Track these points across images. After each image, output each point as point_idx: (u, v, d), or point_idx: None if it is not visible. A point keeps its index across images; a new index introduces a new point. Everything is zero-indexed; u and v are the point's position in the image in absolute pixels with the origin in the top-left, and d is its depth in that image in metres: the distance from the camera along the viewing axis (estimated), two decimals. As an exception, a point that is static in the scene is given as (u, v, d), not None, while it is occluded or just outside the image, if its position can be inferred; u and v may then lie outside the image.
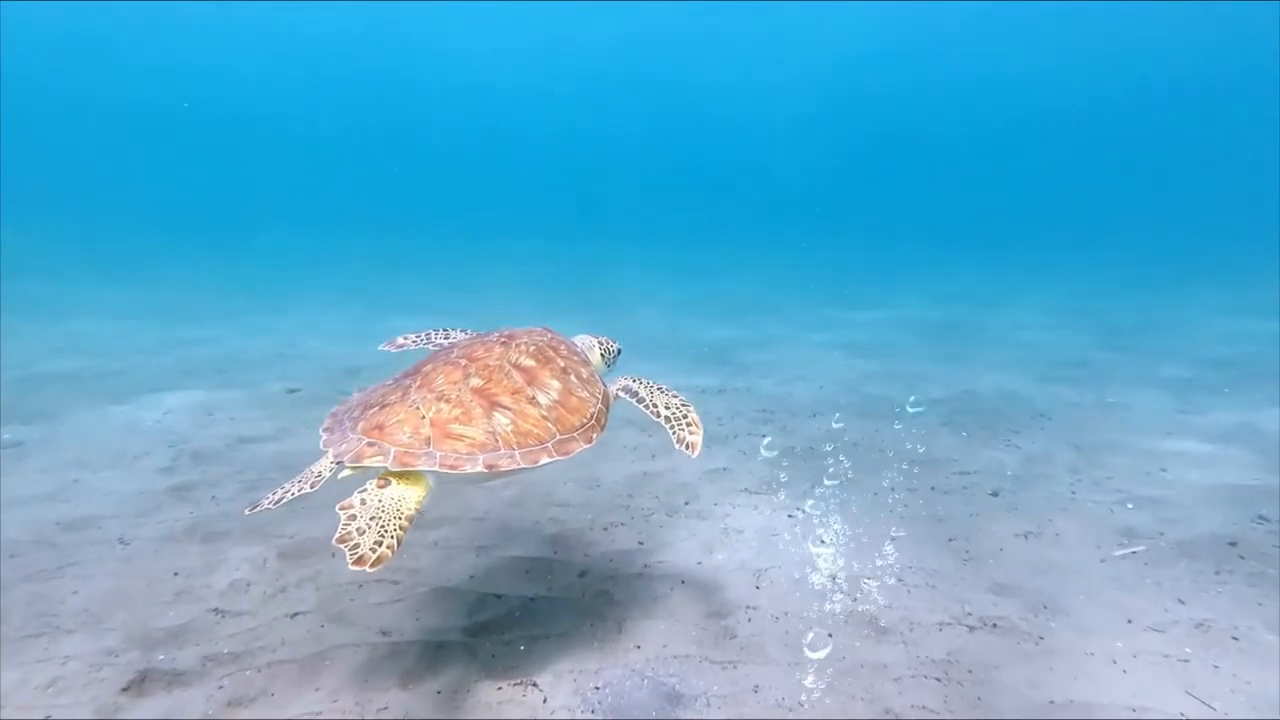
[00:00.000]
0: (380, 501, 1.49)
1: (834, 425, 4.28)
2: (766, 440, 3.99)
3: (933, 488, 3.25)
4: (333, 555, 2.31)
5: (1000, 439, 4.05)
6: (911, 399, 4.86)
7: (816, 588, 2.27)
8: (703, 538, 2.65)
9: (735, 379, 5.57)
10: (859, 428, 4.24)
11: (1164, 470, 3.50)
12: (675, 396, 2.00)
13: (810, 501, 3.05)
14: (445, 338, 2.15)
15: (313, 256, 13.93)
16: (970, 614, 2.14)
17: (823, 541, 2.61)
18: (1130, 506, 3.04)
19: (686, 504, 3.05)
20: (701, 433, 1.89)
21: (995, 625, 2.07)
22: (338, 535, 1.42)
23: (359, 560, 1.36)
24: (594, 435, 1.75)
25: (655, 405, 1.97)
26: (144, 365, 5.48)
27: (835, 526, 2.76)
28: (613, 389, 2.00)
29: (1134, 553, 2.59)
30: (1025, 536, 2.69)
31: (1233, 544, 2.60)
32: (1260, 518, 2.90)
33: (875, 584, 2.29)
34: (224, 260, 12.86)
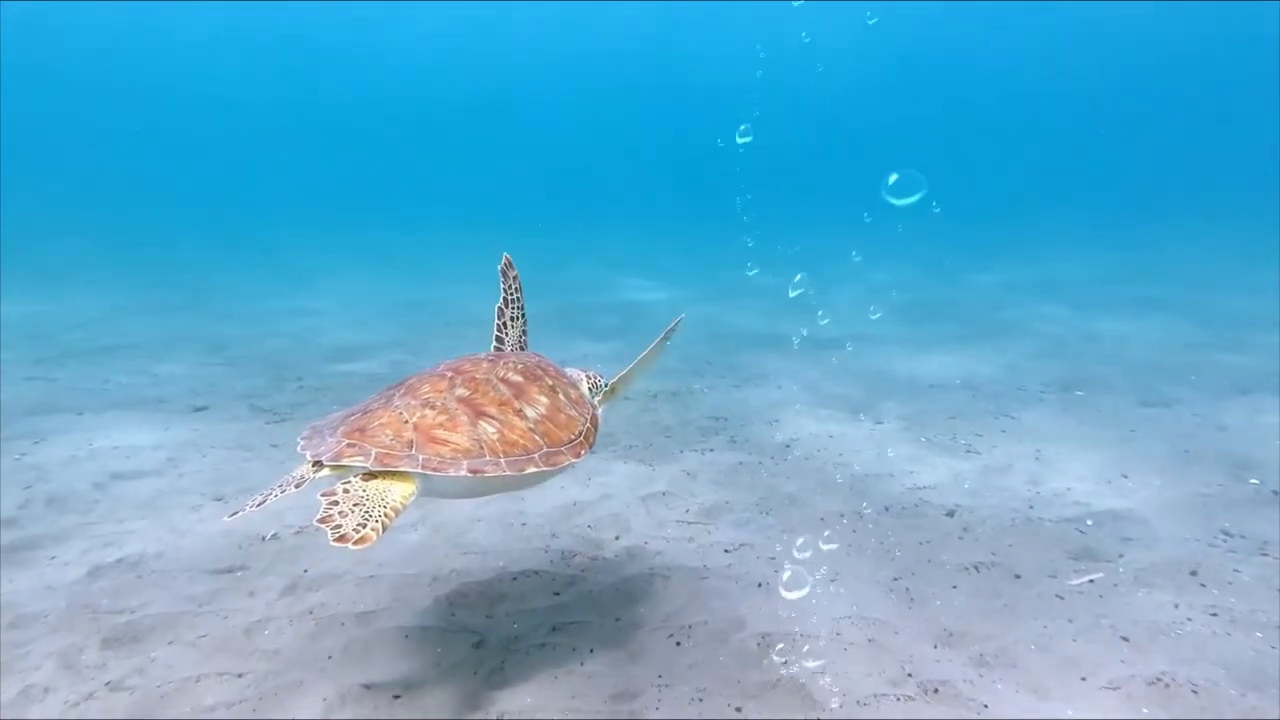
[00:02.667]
0: (365, 491, 1.48)
1: (790, 435, 4.04)
2: (712, 455, 3.73)
3: (886, 508, 3.02)
4: (170, 643, 1.97)
5: (961, 444, 3.86)
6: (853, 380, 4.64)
7: (743, 649, 2.02)
8: (627, 585, 2.37)
9: (692, 379, 5.30)
10: (816, 436, 4.00)
11: (1125, 477, 3.34)
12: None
13: (749, 532, 2.80)
14: (518, 308, 2.22)
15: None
16: (911, 675, 1.91)
17: (758, 585, 2.36)
18: (1090, 523, 2.86)
19: (616, 539, 2.77)
20: (676, 319, 2.03)
21: (936, 690, 1.84)
22: (319, 516, 1.39)
23: (341, 539, 1.34)
24: (582, 451, 1.76)
25: (639, 362, 2.00)
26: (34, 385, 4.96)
27: (774, 565, 2.51)
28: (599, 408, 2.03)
29: (1090, 581, 2.40)
30: (976, 568, 2.48)
31: (1193, 573, 2.43)
32: (1223, 533, 2.74)
33: (809, 642, 2.05)
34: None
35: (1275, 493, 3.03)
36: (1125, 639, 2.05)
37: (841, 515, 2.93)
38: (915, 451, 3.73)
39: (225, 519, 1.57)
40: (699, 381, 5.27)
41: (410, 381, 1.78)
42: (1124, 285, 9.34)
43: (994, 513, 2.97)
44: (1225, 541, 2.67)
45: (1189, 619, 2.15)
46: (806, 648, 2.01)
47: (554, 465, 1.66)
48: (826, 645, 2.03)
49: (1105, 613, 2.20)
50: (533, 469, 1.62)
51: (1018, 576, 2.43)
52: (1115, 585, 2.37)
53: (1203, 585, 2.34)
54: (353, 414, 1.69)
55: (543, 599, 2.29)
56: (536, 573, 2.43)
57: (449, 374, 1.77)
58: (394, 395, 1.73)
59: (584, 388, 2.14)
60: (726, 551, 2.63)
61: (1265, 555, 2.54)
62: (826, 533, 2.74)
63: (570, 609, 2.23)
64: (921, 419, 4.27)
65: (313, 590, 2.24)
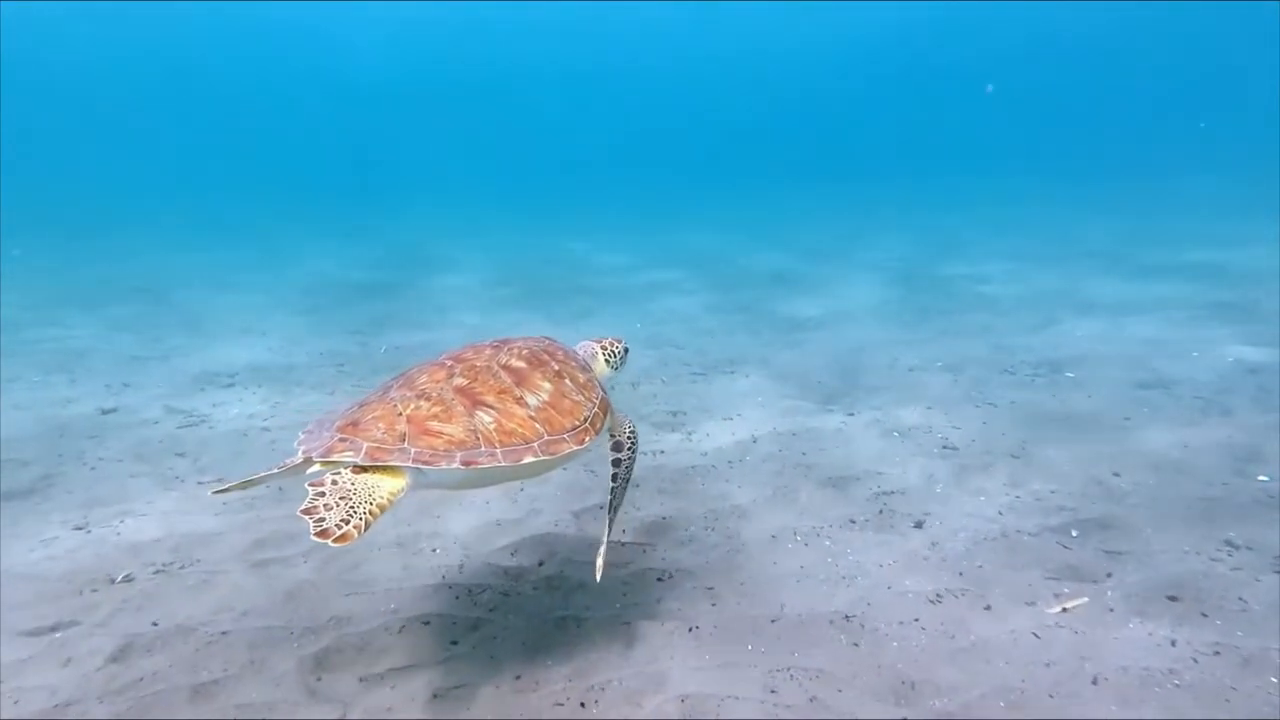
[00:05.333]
0: (353, 484, 1.46)
1: (750, 431, 3.69)
2: (662, 458, 3.37)
3: (851, 520, 2.68)
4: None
5: (936, 438, 3.51)
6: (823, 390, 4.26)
7: (659, 718, 1.70)
8: (538, 629, 2.03)
9: (655, 369, 4.92)
10: (779, 433, 3.64)
11: (1117, 475, 3.00)
12: (626, 488, 1.97)
13: (689, 553, 2.46)
14: None
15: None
16: (854, 748, 1.59)
17: (689, 630, 2.03)
18: (1075, 534, 2.52)
19: (540, 565, 2.43)
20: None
21: (883, 770, 1.53)
22: (304, 507, 1.38)
23: (322, 533, 1.33)
24: (586, 438, 1.72)
25: (615, 493, 1.93)
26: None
27: (709, 601, 2.18)
28: (619, 420, 1.95)
29: (1064, 611, 2.07)
30: (940, 597, 2.15)
31: (1195, 598, 2.08)
32: (1228, 544, 2.40)
33: (737, 705, 1.72)
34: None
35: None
36: (1114, 691, 1.73)
37: (795, 532, 2.59)
38: (886, 448, 3.38)
39: (210, 494, 1.62)
40: (662, 371, 4.90)
41: (410, 371, 1.77)
42: (1122, 251, 8.92)
43: (967, 522, 2.63)
44: (1230, 555, 2.34)
45: (1192, 660, 1.83)
46: (734, 714, 1.69)
47: (554, 453, 1.63)
48: (758, 710, 1.70)
49: (1090, 654, 1.87)
50: (530, 458, 1.59)
51: (988, 608, 2.10)
52: (1103, 614, 2.04)
53: (1204, 615, 2.01)
54: (352, 407, 1.69)
55: (435, 652, 1.95)
56: (434, 617, 2.08)
57: (449, 363, 1.76)
58: (392, 386, 1.71)
59: (599, 361, 2.10)
60: (659, 580, 2.29)
61: (1277, 573, 2.21)
62: (774, 560, 2.40)
63: (463, 665, 1.89)
64: (896, 409, 3.92)
65: (150, 653, 1.88)
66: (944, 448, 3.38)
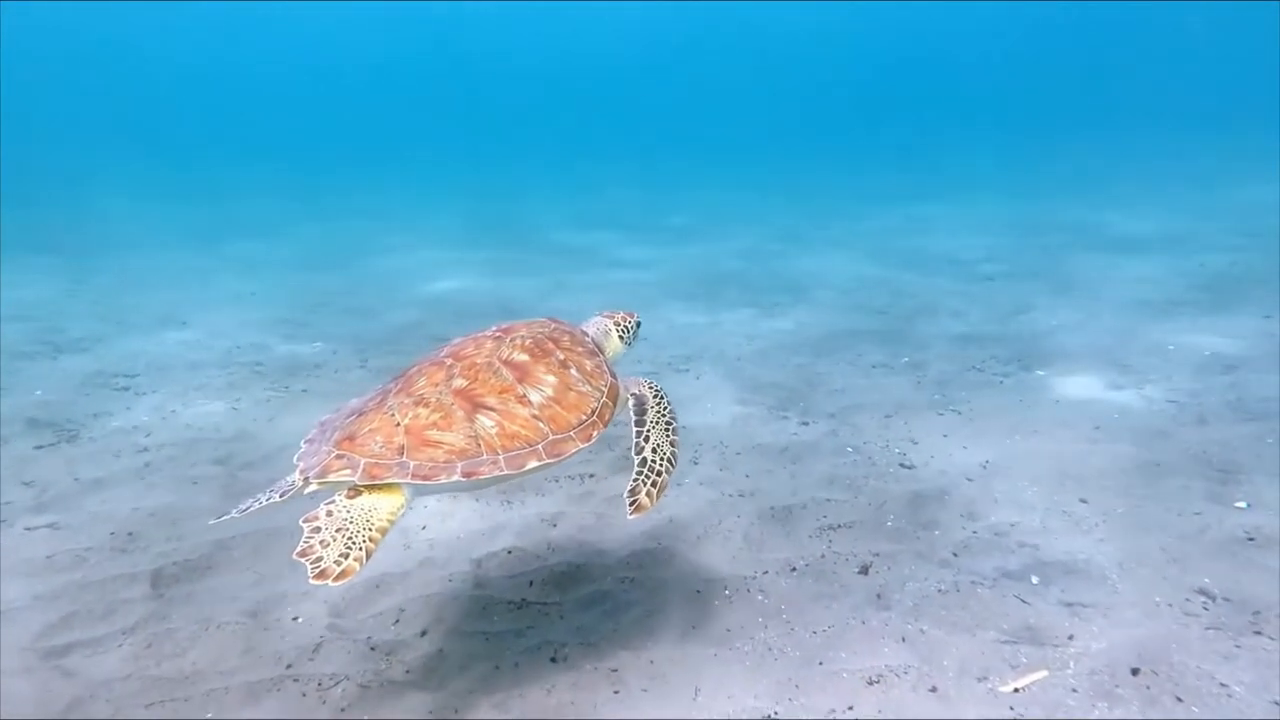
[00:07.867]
0: (348, 513, 1.41)
1: (694, 447, 3.32)
2: (590, 483, 2.99)
3: (791, 567, 2.34)
4: None
5: (894, 454, 3.18)
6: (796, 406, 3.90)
7: None
8: (423, 705, 1.68)
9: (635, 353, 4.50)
10: (727, 448, 3.25)
11: (1084, 502, 2.72)
12: (674, 435, 1.82)
13: (597, 616, 2.07)
14: None
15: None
16: None
17: (595, 708, 1.69)
18: (1035, 581, 2.23)
19: (422, 635, 2.04)
20: (661, 496, 1.72)
21: None
22: (299, 549, 1.34)
23: (321, 574, 1.30)
24: (593, 433, 1.66)
25: (647, 437, 1.77)
26: None
27: (610, 688, 1.82)
28: (628, 386, 1.86)
29: (1017, 692, 1.78)
30: (880, 678, 1.83)
31: (1168, 673, 1.80)
32: (1202, 594, 2.12)
33: None
34: None
35: (1255, 540, 2.43)
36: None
37: (724, 585, 2.25)
38: (838, 468, 3.04)
39: (210, 524, 1.53)
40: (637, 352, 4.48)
41: (410, 372, 1.72)
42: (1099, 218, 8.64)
43: (918, 568, 2.32)
44: (1205, 610, 2.06)
45: (1158, 765, 1.55)
46: None
47: (559, 455, 1.57)
48: None
49: (1045, 757, 1.59)
50: (534, 462, 1.54)
51: (933, 689, 1.79)
52: (1064, 695, 1.75)
53: (1179, 699, 1.72)
54: (352, 413, 1.65)
55: (260, 773, 1.58)
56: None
57: (448, 361, 1.70)
58: (390, 390, 1.67)
59: (613, 338, 2.02)
60: (553, 661, 1.93)
61: (1259, 634, 1.94)
62: (694, 624, 2.06)
63: (290, 794, 1.53)
64: (853, 418, 3.58)
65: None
66: (900, 466, 3.06)
